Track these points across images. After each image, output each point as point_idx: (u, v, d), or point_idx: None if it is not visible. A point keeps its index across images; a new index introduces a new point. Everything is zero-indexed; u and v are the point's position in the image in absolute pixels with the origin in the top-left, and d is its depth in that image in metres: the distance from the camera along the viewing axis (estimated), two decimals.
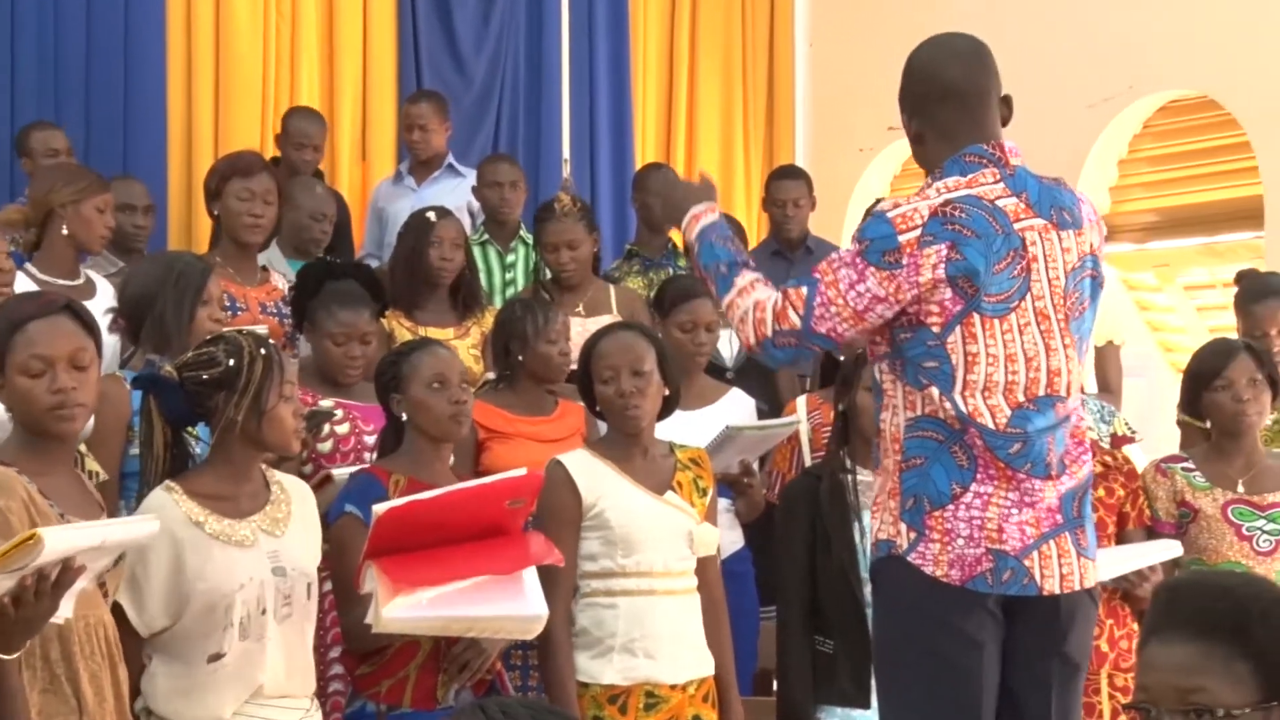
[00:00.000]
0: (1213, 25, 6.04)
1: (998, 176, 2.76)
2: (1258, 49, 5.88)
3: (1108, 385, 4.94)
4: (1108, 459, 3.86)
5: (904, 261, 2.68)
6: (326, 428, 3.71)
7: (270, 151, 5.79)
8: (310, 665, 3.02)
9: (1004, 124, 2.84)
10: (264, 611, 2.86)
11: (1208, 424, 3.94)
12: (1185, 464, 3.89)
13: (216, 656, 2.83)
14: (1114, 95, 6.36)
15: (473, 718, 1.67)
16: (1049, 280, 2.76)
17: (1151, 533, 3.87)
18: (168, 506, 2.85)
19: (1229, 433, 3.85)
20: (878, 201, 5.49)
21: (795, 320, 2.74)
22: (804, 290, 2.75)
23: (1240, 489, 3.83)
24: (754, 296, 2.80)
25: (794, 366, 2.82)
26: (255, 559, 2.88)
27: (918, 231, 2.69)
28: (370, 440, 3.72)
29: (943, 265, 2.68)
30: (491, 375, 4.24)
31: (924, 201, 2.73)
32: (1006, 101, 2.84)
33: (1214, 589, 1.81)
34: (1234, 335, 4.35)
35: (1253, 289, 4.51)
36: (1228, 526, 3.80)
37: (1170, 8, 6.19)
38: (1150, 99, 6.40)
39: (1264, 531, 3.80)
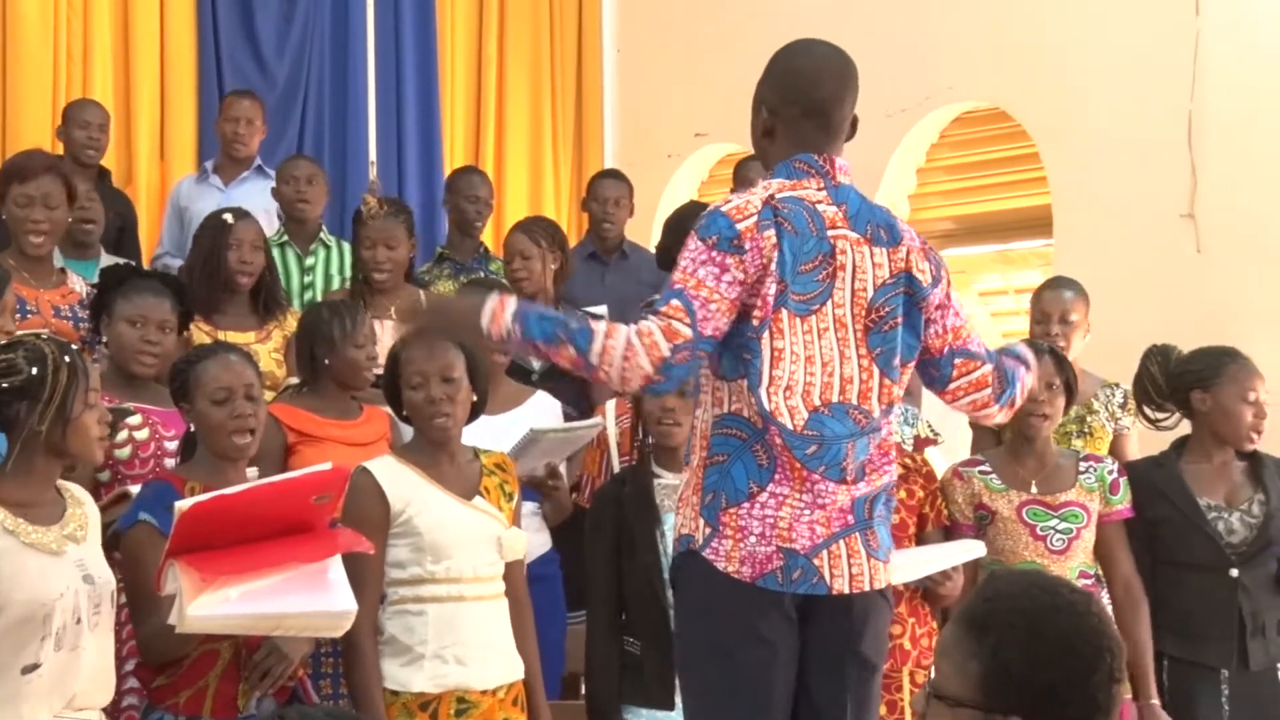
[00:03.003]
0: (1004, 40, 6.25)
1: (822, 186, 2.84)
2: (1046, 64, 6.11)
3: (909, 390, 5.06)
4: (908, 461, 3.94)
5: (747, 246, 2.73)
6: (125, 433, 3.61)
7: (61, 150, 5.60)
8: (112, 675, 2.96)
9: (848, 139, 2.92)
10: (78, 620, 2.79)
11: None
12: (982, 467, 4.00)
13: (32, 667, 2.75)
14: (911, 105, 6.54)
15: None
16: (853, 291, 2.82)
17: (949, 533, 3.97)
18: None
19: (1022, 434, 3.98)
20: (694, 205, 5.56)
21: (685, 331, 2.69)
22: (675, 302, 2.71)
23: (1034, 489, 3.95)
24: (623, 332, 2.71)
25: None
26: (68, 567, 2.81)
27: (754, 218, 2.75)
28: (171, 446, 3.63)
29: (775, 252, 2.74)
30: (294, 380, 4.17)
31: (753, 195, 2.80)
32: (854, 122, 2.92)
33: (994, 589, 1.86)
34: (1031, 339, 4.46)
35: (1046, 283, 4.71)
36: (1023, 527, 3.91)
37: (964, 22, 6.39)
38: (946, 110, 6.60)
39: (1057, 531, 3.92)
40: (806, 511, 2.78)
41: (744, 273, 2.73)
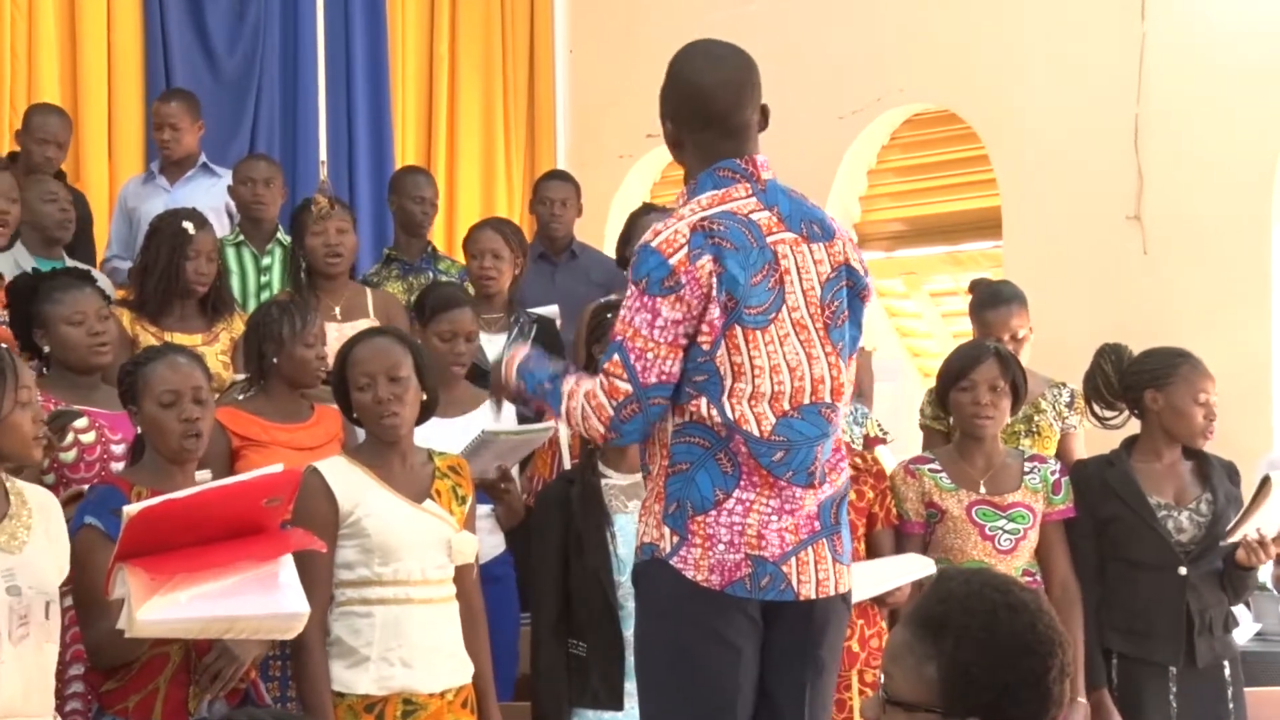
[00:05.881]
0: (954, 43, 6.30)
1: (749, 191, 2.83)
2: (995, 67, 6.16)
3: (859, 389, 5.08)
4: (858, 461, 3.95)
5: (683, 280, 2.73)
6: (71, 436, 3.57)
7: (8, 146, 5.55)
8: (50, 685, 2.91)
9: (760, 130, 2.89)
10: None
11: (950, 420, 4.09)
12: (932, 465, 4.02)
13: None
14: (862, 107, 6.57)
15: None
16: (804, 291, 2.82)
17: (898, 533, 3.99)
18: None
19: (967, 433, 4.00)
20: (648, 207, 5.56)
21: (626, 387, 2.74)
22: (616, 357, 2.75)
23: (982, 489, 3.97)
24: (582, 390, 2.80)
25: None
26: None
27: (685, 250, 2.74)
28: (117, 450, 3.60)
29: (715, 276, 2.73)
30: (240, 377, 4.13)
31: (682, 222, 2.78)
32: (764, 111, 2.89)
33: (946, 590, 1.86)
34: (977, 340, 4.47)
35: (985, 297, 4.69)
36: (972, 527, 3.94)
37: (915, 25, 6.42)
38: (896, 112, 6.63)
39: (1005, 531, 3.94)
40: (775, 518, 2.79)
41: (680, 311, 2.74)
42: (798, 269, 2.82)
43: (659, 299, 2.73)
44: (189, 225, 4.44)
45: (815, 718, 2.89)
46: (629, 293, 2.78)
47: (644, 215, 5.29)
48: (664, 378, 2.74)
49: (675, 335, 2.74)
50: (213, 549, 2.94)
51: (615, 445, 2.89)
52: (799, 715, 2.87)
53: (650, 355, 2.73)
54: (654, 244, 2.76)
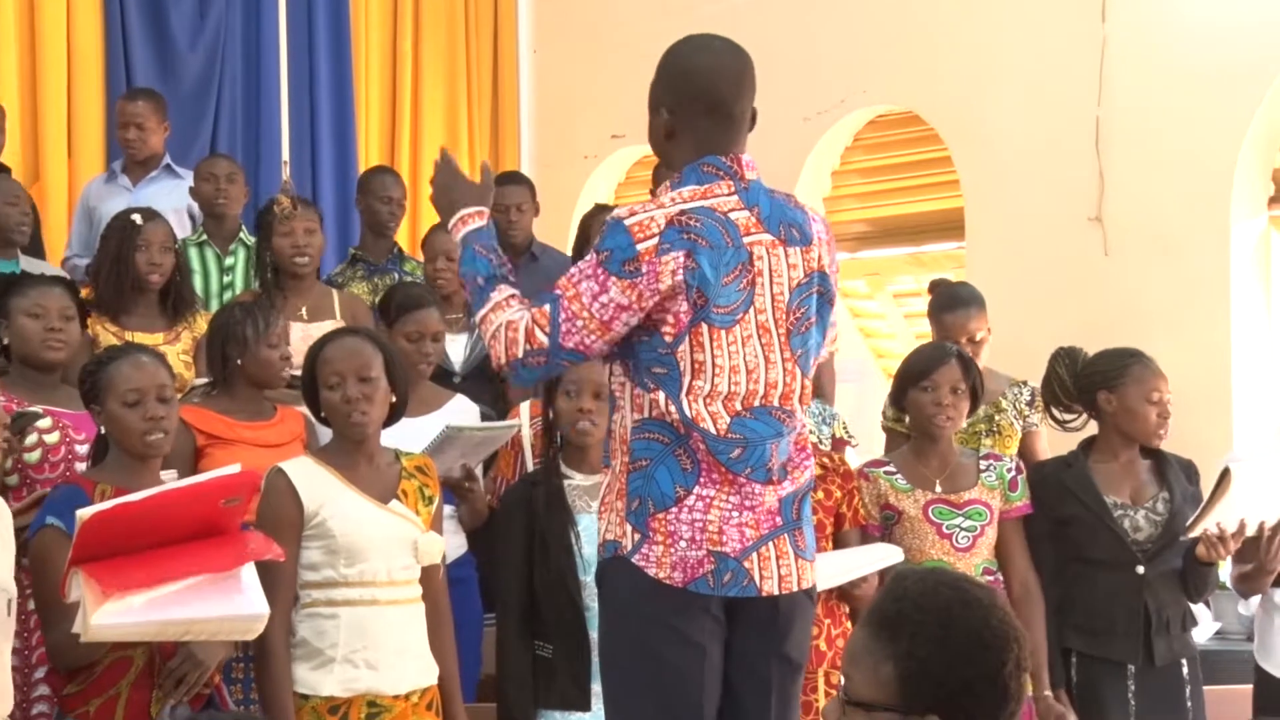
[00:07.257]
0: (917, 45, 6.33)
1: (732, 189, 2.83)
2: (958, 69, 6.19)
3: (821, 390, 5.10)
4: (826, 461, 3.96)
5: (643, 270, 2.72)
6: (35, 436, 3.54)
7: None
8: (8, 685, 2.88)
9: (748, 131, 2.90)
10: None
11: (907, 419, 4.11)
12: (887, 468, 4.04)
13: None
14: (827, 109, 6.60)
15: None
16: (772, 295, 2.82)
17: (865, 533, 4.01)
18: None
19: (925, 434, 4.02)
20: (600, 208, 5.56)
21: (543, 339, 2.74)
22: (548, 308, 2.75)
23: (938, 489, 3.99)
24: (506, 315, 2.79)
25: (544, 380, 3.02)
26: None
27: (655, 240, 2.73)
28: (82, 449, 3.58)
29: (681, 273, 2.73)
30: (201, 381, 4.12)
31: (660, 210, 2.77)
32: (753, 113, 2.91)
33: (901, 589, 1.86)
34: (939, 343, 4.50)
35: (944, 299, 4.71)
36: (929, 526, 3.96)
37: (878, 27, 6.46)
38: (860, 113, 6.66)
39: (962, 529, 3.97)
40: (735, 513, 2.79)
41: (629, 297, 2.73)
42: (770, 272, 2.82)
43: (611, 278, 2.72)
44: (136, 216, 4.46)
45: (783, 717, 2.89)
46: (587, 257, 2.77)
47: (595, 216, 5.30)
48: (581, 349, 2.76)
49: (611, 317, 2.73)
50: (170, 556, 2.91)
51: (504, 377, 2.91)
52: (765, 714, 2.86)
53: (579, 324, 2.73)
54: (627, 222, 2.75)
